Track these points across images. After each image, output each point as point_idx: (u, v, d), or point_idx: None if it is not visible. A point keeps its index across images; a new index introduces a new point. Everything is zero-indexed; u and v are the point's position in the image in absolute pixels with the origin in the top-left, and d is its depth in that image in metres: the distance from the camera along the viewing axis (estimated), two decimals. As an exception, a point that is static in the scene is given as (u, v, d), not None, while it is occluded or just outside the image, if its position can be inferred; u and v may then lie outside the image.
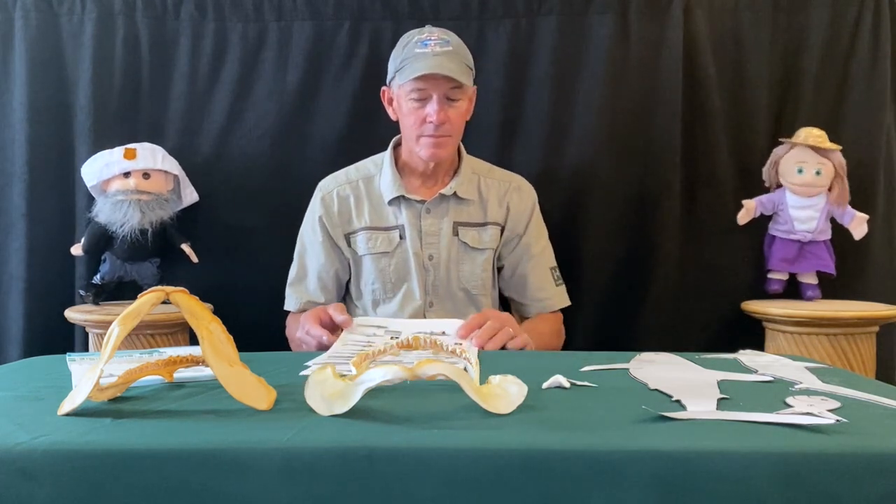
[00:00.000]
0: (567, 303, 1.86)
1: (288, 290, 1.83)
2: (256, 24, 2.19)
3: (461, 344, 1.37)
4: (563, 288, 1.85)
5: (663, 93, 2.17)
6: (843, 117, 2.20)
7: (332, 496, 0.73)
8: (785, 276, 2.14)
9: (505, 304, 1.89)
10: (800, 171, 2.06)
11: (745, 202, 2.13)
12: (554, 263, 1.86)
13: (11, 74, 2.17)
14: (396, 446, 0.76)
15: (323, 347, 1.41)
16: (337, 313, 1.49)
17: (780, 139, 2.13)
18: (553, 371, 1.05)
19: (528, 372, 1.00)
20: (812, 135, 2.07)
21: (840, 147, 2.08)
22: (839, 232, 2.12)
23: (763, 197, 2.13)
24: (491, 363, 1.20)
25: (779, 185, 2.13)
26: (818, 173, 2.05)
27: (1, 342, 2.21)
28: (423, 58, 1.62)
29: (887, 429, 0.82)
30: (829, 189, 2.08)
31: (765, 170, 2.14)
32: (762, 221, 2.15)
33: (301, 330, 1.53)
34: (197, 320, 0.95)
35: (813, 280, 2.13)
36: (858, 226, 2.09)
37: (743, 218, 2.13)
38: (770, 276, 2.15)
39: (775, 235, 2.14)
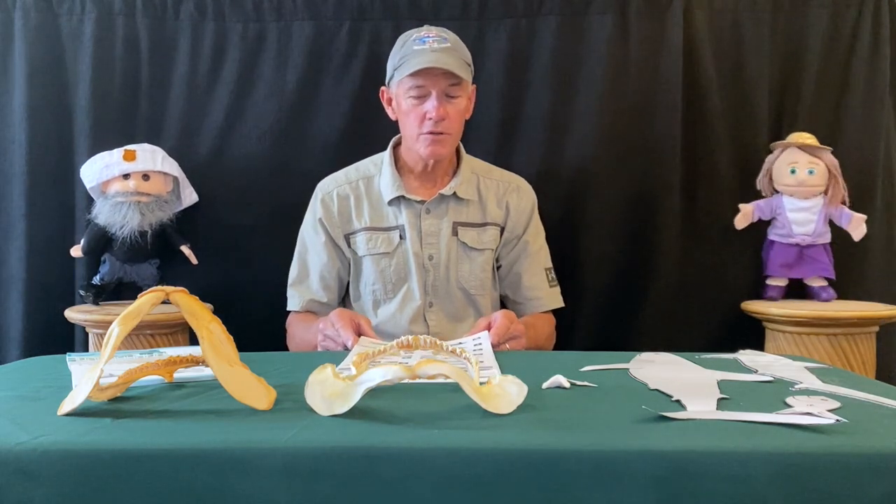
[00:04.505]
0: (560, 304, 1.86)
1: (290, 291, 1.81)
2: (256, 24, 2.19)
3: (478, 339, 1.39)
4: (557, 290, 1.85)
5: (663, 93, 2.17)
6: (843, 117, 2.20)
7: (332, 496, 0.73)
8: (784, 283, 2.12)
9: (505, 306, 1.88)
10: (792, 171, 2.05)
11: (741, 206, 2.11)
12: (550, 265, 1.86)
13: (11, 74, 2.17)
14: (396, 446, 0.76)
15: (343, 350, 1.42)
16: (369, 328, 1.49)
17: (770, 146, 2.13)
18: (553, 371, 1.05)
19: (528, 372, 1.00)
20: (801, 136, 2.08)
21: (830, 148, 2.07)
22: (838, 233, 2.12)
23: (760, 201, 2.12)
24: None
25: (774, 194, 2.12)
26: (811, 172, 2.05)
27: (1, 342, 2.21)
28: (420, 54, 1.62)
29: (887, 429, 0.82)
30: (825, 192, 2.07)
31: (759, 180, 2.14)
32: (763, 222, 2.15)
33: (327, 326, 1.50)
34: (197, 320, 0.95)
35: (821, 282, 2.11)
36: (857, 227, 2.08)
37: (740, 222, 2.12)
38: (768, 282, 2.13)
39: (774, 240, 2.13)
